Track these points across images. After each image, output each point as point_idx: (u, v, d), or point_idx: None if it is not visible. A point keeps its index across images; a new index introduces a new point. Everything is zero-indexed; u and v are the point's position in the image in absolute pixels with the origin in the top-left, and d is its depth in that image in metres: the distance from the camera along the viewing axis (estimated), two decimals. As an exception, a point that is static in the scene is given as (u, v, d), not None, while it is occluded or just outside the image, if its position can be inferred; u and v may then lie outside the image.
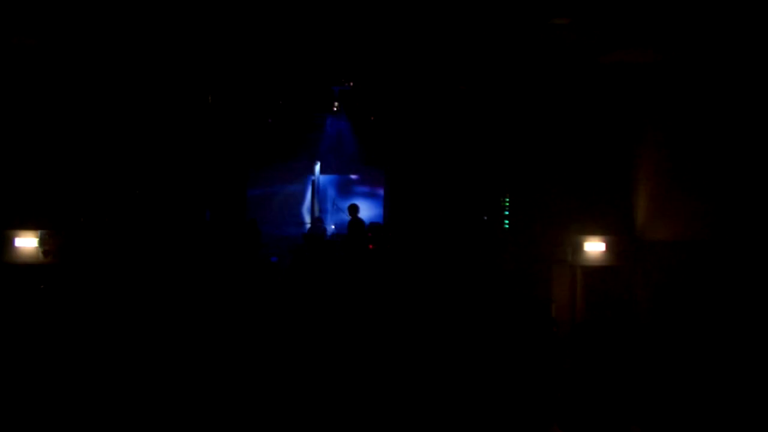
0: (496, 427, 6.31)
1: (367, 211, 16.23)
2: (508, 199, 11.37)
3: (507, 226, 11.35)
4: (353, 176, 16.81)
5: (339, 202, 14.97)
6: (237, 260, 13.21)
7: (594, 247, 9.29)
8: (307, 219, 16.54)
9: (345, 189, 16.68)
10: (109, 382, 7.17)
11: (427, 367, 7.61)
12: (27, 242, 8.59)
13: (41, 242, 8.60)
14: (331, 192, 16.45)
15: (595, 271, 9.47)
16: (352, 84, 10.81)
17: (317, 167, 16.43)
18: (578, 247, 9.30)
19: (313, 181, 16.58)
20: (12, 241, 8.59)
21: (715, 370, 7.18)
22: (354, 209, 14.15)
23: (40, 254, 8.59)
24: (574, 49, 8.36)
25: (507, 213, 11.36)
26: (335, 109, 11.64)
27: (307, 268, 13.83)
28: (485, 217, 12.15)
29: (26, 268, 8.59)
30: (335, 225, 14.80)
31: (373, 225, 15.60)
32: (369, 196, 16.87)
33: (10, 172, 8.87)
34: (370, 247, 14.91)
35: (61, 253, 8.70)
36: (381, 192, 16.99)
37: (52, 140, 9.13)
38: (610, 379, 7.09)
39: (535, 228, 10.13)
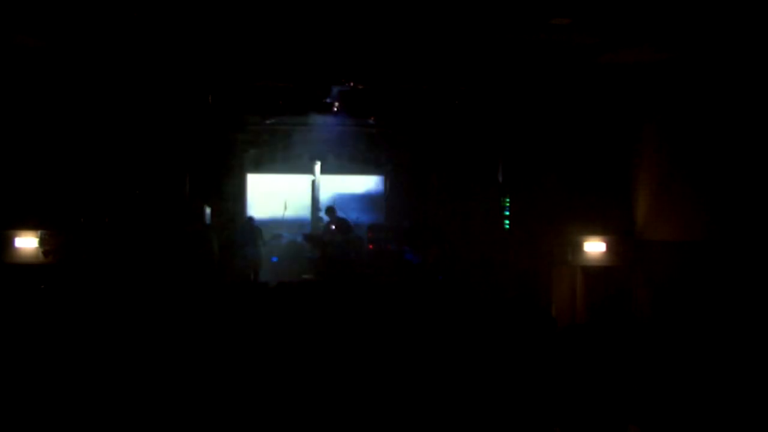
0: (498, 428, 6.31)
1: (367, 211, 16.22)
2: (508, 199, 11.36)
3: (507, 226, 11.35)
4: (353, 176, 16.79)
5: (339, 203, 14.97)
6: (237, 260, 13.21)
7: (594, 247, 9.29)
8: (308, 219, 16.53)
9: (345, 189, 16.66)
10: (109, 381, 7.17)
11: (427, 368, 7.61)
12: (27, 242, 8.60)
13: (41, 242, 8.60)
14: (331, 192, 16.43)
15: (595, 272, 9.47)
16: (352, 84, 10.80)
17: (317, 167, 16.42)
18: (578, 248, 9.30)
19: (313, 181, 16.57)
20: (12, 241, 8.59)
21: (715, 369, 7.18)
22: (331, 211, 14.11)
23: (40, 254, 8.60)
24: (574, 49, 8.35)
25: (507, 213, 11.36)
26: (335, 109, 11.63)
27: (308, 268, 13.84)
28: (484, 217, 12.14)
29: (26, 268, 8.59)
30: (335, 225, 14.78)
31: (373, 225, 15.59)
32: (369, 196, 16.85)
33: (10, 172, 8.87)
34: (370, 247, 14.90)
35: (61, 253, 8.71)
36: (381, 192, 16.98)
37: (52, 140, 9.13)
38: (609, 379, 7.09)
39: (535, 228, 10.12)
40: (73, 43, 8.41)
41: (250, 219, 14.25)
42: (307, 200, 16.57)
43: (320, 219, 15.35)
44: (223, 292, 10.66)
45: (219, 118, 12.46)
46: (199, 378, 7.31)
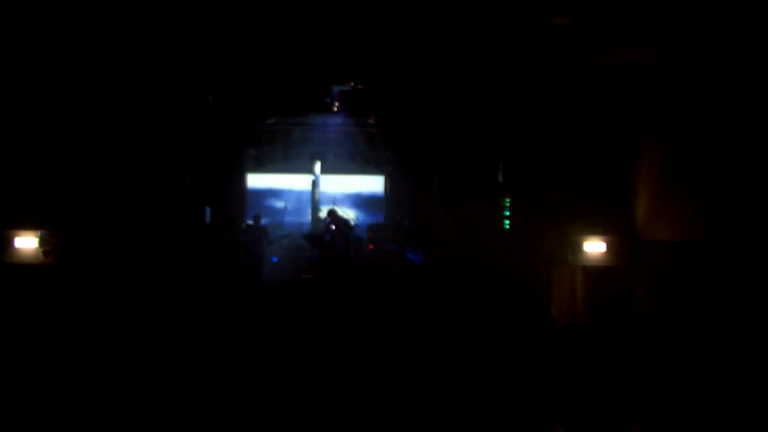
0: (500, 427, 6.32)
1: (367, 211, 16.22)
2: (508, 199, 11.36)
3: (507, 226, 11.34)
4: (353, 176, 16.80)
5: (339, 203, 14.99)
6: (237, 260, 13.19)
7: (594, 247, 9.28)
8: (308, 219, 16.54)
9: (345, 189, 16.67)
10: (109, 382, 7.16)
11: (429, 368, 7.61)
12: (27, 242, 8.59)
13: (41, 242, 8.59)
14: (331, 192, 16.44)
15: (595, 272, 9.46)
16: (352, 84, 10.81)
17: (317, 167, 16.43)
18: (578, 248, 9.29)
19: (314, 181, 16.58)
20: (12, 241, 8.58)
21: (715, 369, 7.18)
22: (333, 213, 14.12)
23: (40, 254, 8.59)
24: (574, 49, 8.35)
25: (507, 213, 11.36)
26: (335, 109, 11.64)
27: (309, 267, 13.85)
28: (484, 217, 12.14)
29: (26, 268, 8.58)
30: (335, 225, 14.80)
31: (373, 225, 15.60)
32: (369, 195, 16.86)
33: (10, 172, 8.86)
34: (371, 247, 14.92)
35: (61, 253, 8.70)
36: (381, 192, 16.98)
37: (52, 140, 9.13)
38: (610, 379, 7.09)
39: (535, 228, 10.12)
40: (73, 43, 8.41)
41: (257, 218, 14.24)
42: (307, 200, 16.59)
43: (320, 219, 15.36)
44: (223, 291, 10.65)
45: (219, 118, 12.46)
46: (199, 377, 7.31)
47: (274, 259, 14.51)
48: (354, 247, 14.16)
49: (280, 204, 16.05)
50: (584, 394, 6.45)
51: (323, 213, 15.05)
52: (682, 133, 8.56)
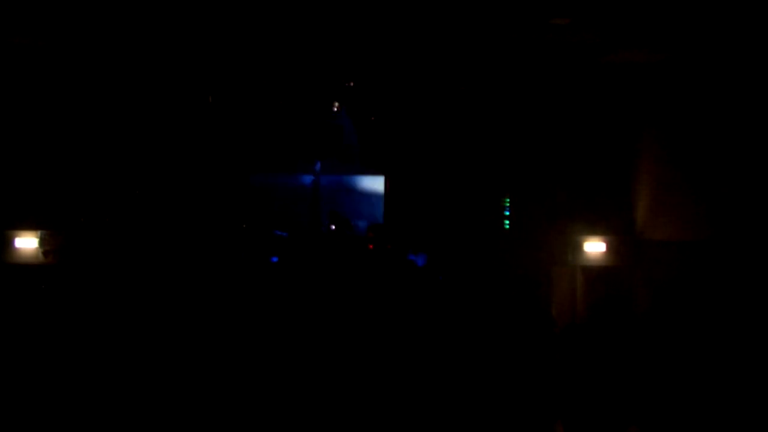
0: (500, 427, 6.32)
1: (367, 211, 16.20)
2: (508, 199, 11.36)
3: (507, 226, 11.34)
4: (354, 176, 16.78)
5: (339, 203, 14.97)
6: (239, 260, 13.18)
7: (594, 247, 9.28)
8: (308, 219, 16.51)
9: (345, 188, 16.65)
10: (109, 382, 7.17)
11: (429, 367, 7.61)
12: (27, 242, 8.59)
13: (41, 242, 8.59)
14: (331, 192, 16.43)
15: (595, 272, 9.46)
16: (352, 84, 10.81)
17: (317, 167, 16.41)
18: (578, 248, 9.29)
19: (314, 181, 16.56)
20: (12, 241, 8.58)
21: (715, 369, 7.18)
22: (334, 214, 14.12)
23: (41, 254, 8.59)
24: (574, 49, 8.35)
25: (507, 213, 11.35)
26: (335, 109, 11.64)
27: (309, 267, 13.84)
28: (485, 218, 12.14)
29: (26, 268, 8.59)
30: (335, 225, 14.78)
31: (373, 225, 15.58)
32: (369, 195, 16.84)
33: (10, 172, 8.87)
34: (371, 247, 14.90)
35: (61, 253, 8.70)
36: (381, 192, 16.95)
37: (52, 140, 9.13)
38: (609, 379, 7.09)
39: (535, 228, 10.12)
40: (73, 43, 8.41)
41: (258, 218, 14.23)
42: (308, 200, 16.56)
43: (320, 219, 15.34)
44: (223, 291, 10.64)
45: (219, 118, 12.46)
46: (197, 377, 7.31)
47: (274, 260, 14.49)
48: (354, 248, 14.15)
49: (280, 204, 16.02)
50: (584, 393, 6.45)
51: (324, 213, 15.03)
52: (683, 133, 8.57)
